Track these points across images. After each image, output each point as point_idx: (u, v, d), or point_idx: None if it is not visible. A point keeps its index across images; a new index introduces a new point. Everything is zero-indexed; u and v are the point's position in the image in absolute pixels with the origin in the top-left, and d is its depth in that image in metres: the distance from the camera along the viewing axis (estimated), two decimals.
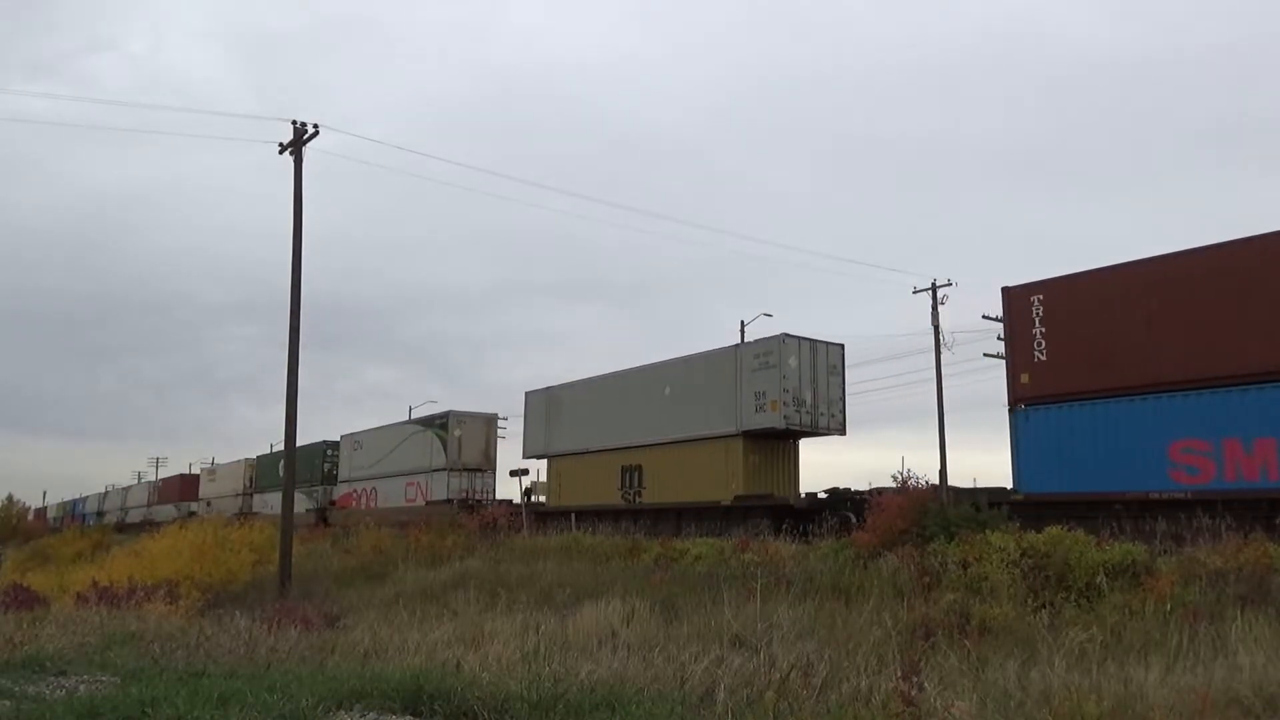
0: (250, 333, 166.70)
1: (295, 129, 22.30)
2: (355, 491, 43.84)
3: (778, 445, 25.67)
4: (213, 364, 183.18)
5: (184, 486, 68.01)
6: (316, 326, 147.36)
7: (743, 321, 42.84)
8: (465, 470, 36.21)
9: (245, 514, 50.59)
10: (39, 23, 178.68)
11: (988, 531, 13.58)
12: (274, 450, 52.51)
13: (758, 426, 24.63)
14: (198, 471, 70.20)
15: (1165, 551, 13.24)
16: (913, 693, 5.56)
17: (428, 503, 35.96)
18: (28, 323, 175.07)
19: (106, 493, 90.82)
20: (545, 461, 33.55)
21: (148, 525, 44.65)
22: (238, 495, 56.39)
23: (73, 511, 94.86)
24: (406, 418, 42.50)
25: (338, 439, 47.31)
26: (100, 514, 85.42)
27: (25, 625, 11.78)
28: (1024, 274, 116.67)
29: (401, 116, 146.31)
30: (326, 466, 47.43)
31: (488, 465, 37.02)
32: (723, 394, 25.52)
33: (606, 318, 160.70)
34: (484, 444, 37.33)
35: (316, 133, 22.33)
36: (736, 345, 26.35)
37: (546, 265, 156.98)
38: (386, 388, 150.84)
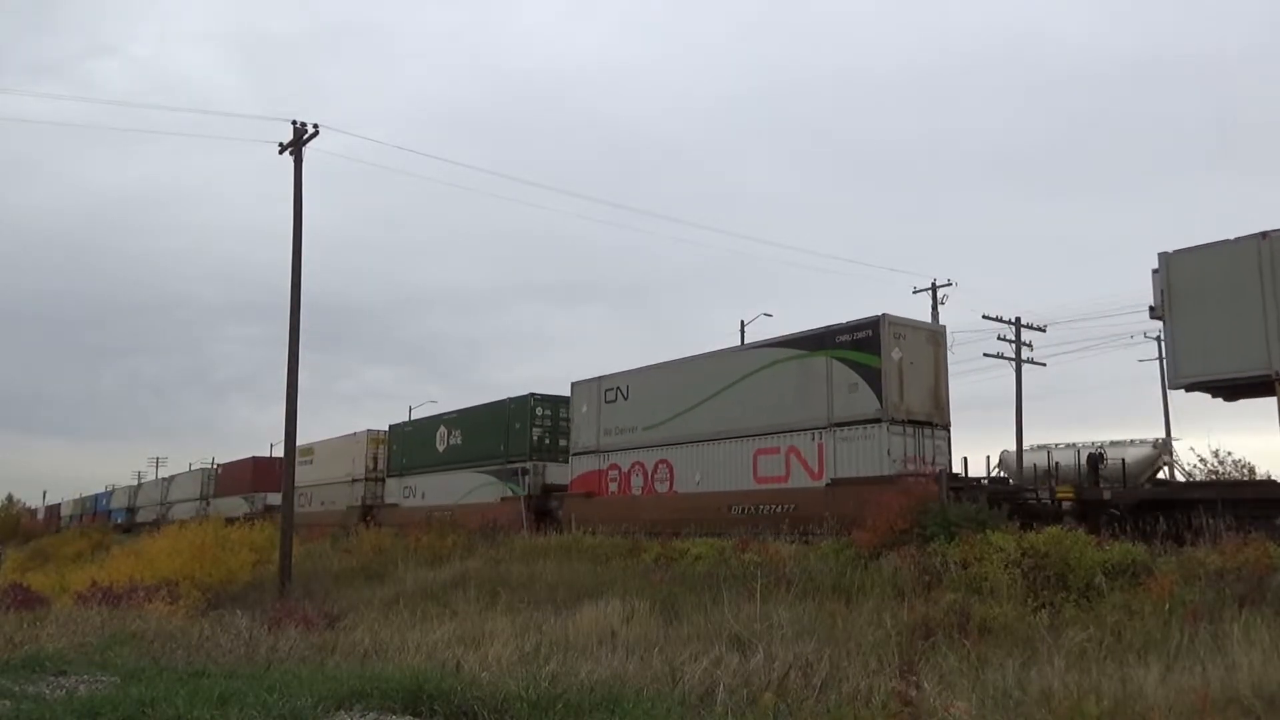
0: (250, 333, 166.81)
1: (295, 129, 22.30)
2: (612, 469, 26.99)
3: None
4: (213, 364, 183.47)
5: (258, 473, 51.10)
6: (316, 326, 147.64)
7: (743, 321, 42.65)
8: (911, 423, 20.36)
9: (374, 507, 39.08)
10: (42, 25, 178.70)
11: (988, 531, 13.59)
12: (423, 417, 38.84)
13: None
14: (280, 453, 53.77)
15: (1165, 551, 13.23)
16: (912, 692, 5.56)
17: (833, 483, 20.39)
18: (28, 323, 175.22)
19: (140, 485, 78.03)
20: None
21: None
22: (353, 481, 41.47)
23: (94, 508, 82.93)
24: (739, 342, 25.35)
25: (561, 392, 31.06)
26: (132, 510, 72.67)
27: (25, 625, 11.78)
28: (1023, 273, 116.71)
29: (403, 119, 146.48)
30: (537, 433, 31.31)
31: (938, 416, 21.06)
32: None
33: (606, 318, 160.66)
34: (932, 379, 21.11)
35: (316, 133, 22.34)
36: None
37: (546, 265, 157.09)
38: (386, 388, 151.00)
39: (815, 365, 21.46)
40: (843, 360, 20.83)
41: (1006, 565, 11.96)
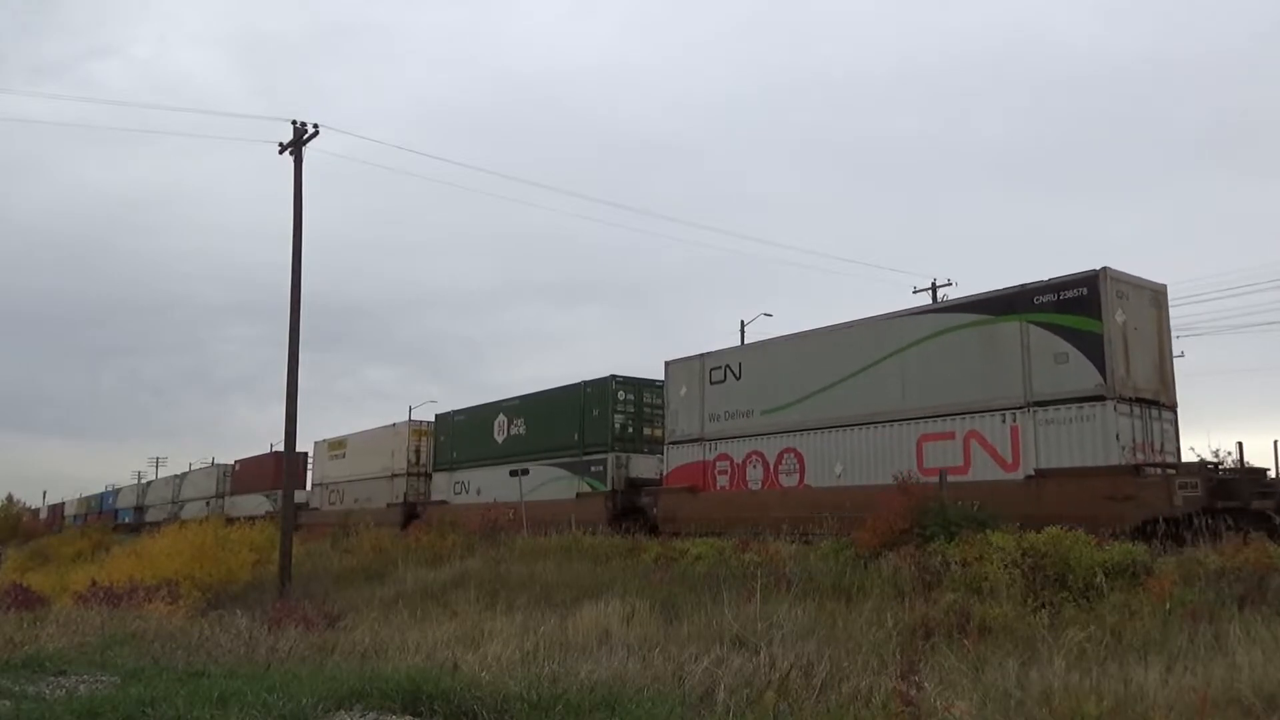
0: (250, 333, 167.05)
1: (295, 129, 22.31)
2: (721, 460, 23.22)
3: None
4: (213, 364, 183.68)
5: (279, 469, 48.02)
6: (316, 326, 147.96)
7: (743, 321, 42.61)
8: (1138, 401, 16.39)
9: (419, 504, 35.88)
10: (42, 25, 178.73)
11: (988, 531, 13.59)
12: (479, 404, 34.67)
13: None
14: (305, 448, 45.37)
15: (1165, 551, 13.24)
16: (912, 692, 5.57)
17: (1038, 474, 16.49)
18: (28, 323, 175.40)
19: (149, 483, 75.48)
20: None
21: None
22: (393, 476, 38.30)
23: (100, 508, 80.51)
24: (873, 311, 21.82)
25: (653, 376, 27.14)
26: (140, 509, 70.28)
27: (25, 625, 11.79)
28: (1023, 273, 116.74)
29: (403, 119, 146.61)
30: (619, 420, 27.38)
31: (1165, 394, 17.05)
32: None
33: (606, 318, 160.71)
34: (1156, 349, 17.20)
35: (316, 133, 22.35)
36: None
37: (546, 265, 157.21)
38: (386, 388, 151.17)
39: (1004, 332, 17.48)
40: (1045, 325, 16.88)
41: (1006, 565, 11.96)
